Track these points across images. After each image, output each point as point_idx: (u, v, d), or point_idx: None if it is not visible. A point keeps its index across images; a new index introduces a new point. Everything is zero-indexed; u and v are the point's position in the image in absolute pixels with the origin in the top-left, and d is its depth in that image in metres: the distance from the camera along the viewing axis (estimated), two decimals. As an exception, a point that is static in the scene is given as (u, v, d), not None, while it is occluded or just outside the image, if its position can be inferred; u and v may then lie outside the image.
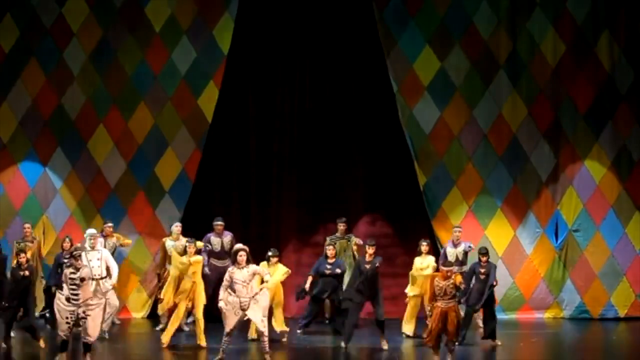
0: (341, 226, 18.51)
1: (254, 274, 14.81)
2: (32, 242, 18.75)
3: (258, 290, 14.83)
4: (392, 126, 19.61)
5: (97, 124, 19.72)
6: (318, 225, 19.69)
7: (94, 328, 14.64)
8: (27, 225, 18.86)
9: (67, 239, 17.95)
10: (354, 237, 18.54)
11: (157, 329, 17.85)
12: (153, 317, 18.81)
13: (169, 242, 18.15)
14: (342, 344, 16.31)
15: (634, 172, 19.80)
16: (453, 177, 19.60)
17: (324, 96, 19.92)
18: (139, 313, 19.36)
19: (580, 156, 19.74)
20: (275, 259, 16.75)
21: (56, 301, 14.80)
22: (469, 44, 19.60)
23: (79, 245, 16.05)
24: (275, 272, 16.40)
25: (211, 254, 18.28)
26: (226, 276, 14.87)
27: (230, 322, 14.78)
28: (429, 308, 15.35)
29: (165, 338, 16.29)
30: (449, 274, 14.71)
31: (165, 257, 18.11)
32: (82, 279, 14.48)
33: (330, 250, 17.50)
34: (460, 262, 17.73)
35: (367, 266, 16.14)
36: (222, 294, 14.84)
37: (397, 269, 19.07)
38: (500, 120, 19.65)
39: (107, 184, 19.67)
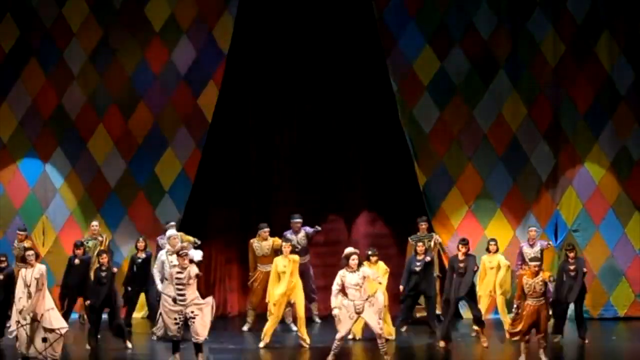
0: (422, 225, 18.63)
1: (364, 278, 14.83)
2: (98, 239, 18.76)
3: (372, 293, 14.91)
4: (392, 126, 19.61)
5: (97, 124, 19.73)
6: (317, 225, 19.62)
7: (203, 327, 14.54)
8: (94, 224, 18.84)
9: (141, 239, 18.07)
10: (435, 236, 18.68)
11: (244, 329, 18.01)
12: (153, 317, 18.71)
13: (256, 244, 18.09)
14: (441, 343, 16.41)
15: (634, 172, 19.79)
16: (453, 177, 19.59)
17: (324, 96, 19.91)
18: (139, 313, 19.32)
19: (580, 156, 19.74)
20: (374, 258, 16.72)
21: (162, 303, 14.83)
22: (469, 44, 19.59)
23: (185, 244, 16.07)
24: (378, 271, 16.37)
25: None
26: (337, 280, 14.93)
27: (345, 326, 14.86)
28: (515, 305, 15.50)
29: (267, 337, 16.35)
30: (536, 268, 14.94)
31: (255, 259, 18.07)
32: (195, 276, 14.52)
33: (420, 247, 17.59)
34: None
35: (461, 264, 16.32)
36: (335, 299, 14.85)
37: (397, 268, 19.03)
38: (500, 120, 19.65)
39: (107, 183, 19.68)
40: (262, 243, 17.96)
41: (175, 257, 15.31)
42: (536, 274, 14.95)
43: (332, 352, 14.99)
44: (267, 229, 17.94)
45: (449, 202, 19.59)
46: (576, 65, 19.71)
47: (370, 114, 19.93)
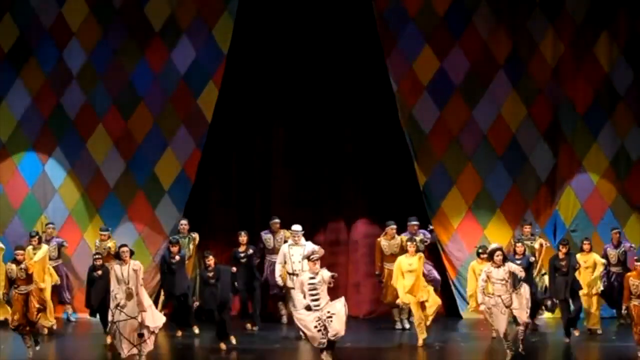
0: (526, 228, 18.64)
1: (509, 273, 14.91)
2: (192, 236, 18.62)
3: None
4: (392, 126, 19.62)
5: (96, 124, 19.69)
6: (318, 225, 19.67)
7: (340, 324, 14.34)
8: (183, 222, 18.63)
9: (242, 233, 18.02)
10: (538, 238, 18.63)
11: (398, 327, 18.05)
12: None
13: (383, 242, 18.09)
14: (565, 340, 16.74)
15: (632, 173, 19.86)
16: (452, 177, 19.63)
17: (324, 96, 19.88)
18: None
19: (579, 156, 19.79)
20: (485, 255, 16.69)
21: (297, 316, 14.54)
22: (468, 44, 19.62)
23: (316, 248, 15.59)
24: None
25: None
26: (483, 276, 15.05)
27: (501, 324, 14.95)
28: (624, 308, 15.85)
29: (422, 336, 16.40)
30: None
31: (383, 257, 18.13)
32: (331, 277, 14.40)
33: (519, 248, 17.43)
34: (622, 263, 18.17)
35: (563, 263, 16.64)
36: (482, 295, 15.04)
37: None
38: (499, 120, 19.69)
39: (107, 183, 19.64)
40: (390, 242, 17.98)
41: (306, 261, 15.14)
42: None
43: (506, 348, 15.08)
44: (394, 226, 18.07)
45: (448, 202, 19.61)
46: (575, 65, 19.76)
47: (370, 114, 19.91)
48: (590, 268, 17.69)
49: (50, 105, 19.72)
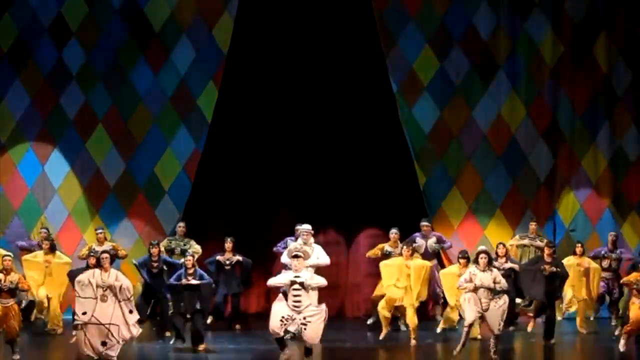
0: (532, 225, 18.82)
1: (494, 279, 14.85)
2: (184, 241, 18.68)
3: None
4: (392, 126, 19.62)
5: (96, 124, 19.64)
6: (318, 225, 19.50)
7: (315, 333, 14.28)
8: (181, 225, 18.72)
9: (229, 240, 18.08)
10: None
11: (369, 322, 18.09)
12: (152, 316, 18.64)
13: (387, 248, 18.07)
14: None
15: (630, 173, 19.91)
16: (452, 177, 19.64)
17: (324, 95, 19.88)
18: (139, 312, 19.24)
19: (578, 157, 19.82)
20: (464, 261, 16.81)
21: (274, 305, 14.45)
22: (468, 44, 19.65)
23: (298, 245, 15.54)
24: None
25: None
26: (466, 276, 14.97)
27: (470, 315, 14.88)
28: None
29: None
30: None
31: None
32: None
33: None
34: (614, 270, 18.34)
35: (547, 266, 16.46)
36: (462, 281, 15.03)
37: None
38: (499, 120, 19.71)
39: (106, 184, 19.59)
40: (394, 249, 17.96)
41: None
42: None
43: (461, 341, 15.06)
44: (396, 232, 18.05)
45: (448, 202, 19.63)
46: (574, 66, 19.80)
47: (370, 114, 19.90)
48: (582, 272, 17.71)
49: (49, 105, 19.66)
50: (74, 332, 15.19)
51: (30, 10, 19.65)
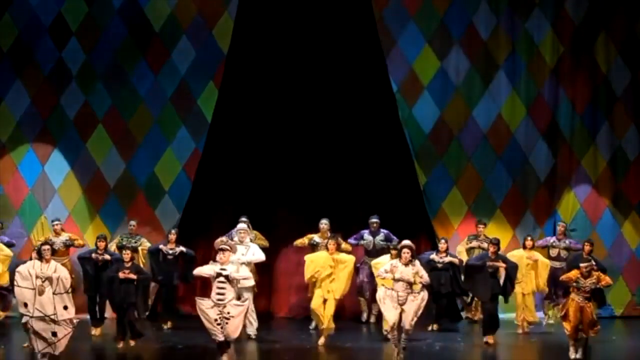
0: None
1: (416, 274, 14.72)
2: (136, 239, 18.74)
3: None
4: (392, 126, 19.63)
5: (96, 124, 19.66)
6: (317, 225, 19.61)
7: (235, 328, 14.29)
8: (132, 223, 18.82)
9: (173, 231, 18.12)
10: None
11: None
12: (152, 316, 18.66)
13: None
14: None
15: (630, 172, 19.94)
16: (453, 177, 19.66)
17: (324, 95, 19.87)
18: (139, 312, 19.23)
19: (577, 156, 19.84)
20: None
21: (199, 307, 14.35)
22: (468, 44, 19.66)
23: (224, 238, 15.48)
24: None
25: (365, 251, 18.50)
26: (387, 266, 14.84)
27: (391, 315, 14.67)
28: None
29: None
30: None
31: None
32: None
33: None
34: (564, 259, 18.34)
35: (490, 264, 16.44)
36: (381, 271, 14.95)
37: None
38: (499, 120, 19.73)
39: (107, 184, 19.61)
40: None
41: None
42: None
43: (393, 345, 14.86)
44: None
45: (449, 202, 19.65)
46: (574, 65, 19.82)
47: (370, 114, 19.90)
48: (530, 265, 17.71)
49: (49, 106, 19.68)
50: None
51: (30, 10, 19.66)
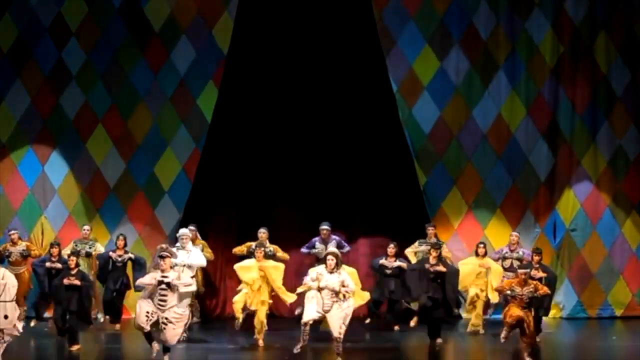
0: (430, 230, 18.78)
1: (342, 282, 14.71)
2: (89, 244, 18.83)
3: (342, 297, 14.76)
4: (392, 126, 19.63)
5: (96, 124, 19.65)
6: (317, 225, 19.62)
7: (172, 335, 14.40)
8: (86, 227, 18.93)
9: (120, 237, 18.18)
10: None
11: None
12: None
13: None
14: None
15: (630, 172, 19.94)
16: (453, 176, 19.66)
17: (324, 95, 19.87)
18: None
19: (578, 156, 19.84)
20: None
21: (139, 301, 14.51)
22: (468, 44, 19.66)
23: (164, 245, 15.47)
24: None
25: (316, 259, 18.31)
26: (312, 275, 14.85)
27: (309, 313, 14.71)
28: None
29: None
30: None
31: None
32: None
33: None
34: (515, 270, 18.00)
35: (432, 269, 16.53)
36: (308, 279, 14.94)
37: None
38: (499, 120, 19.73)
39: (106, 184, 19.60)
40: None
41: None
42: None
43: (302, 338, 14.89)
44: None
45: (449, 201, 19.65)
46: (574, 65, 19.81)
47: (370, 114, 19.90)
48: (483, 273, 17.73)
49: (49, 105, 19.67)
50: None
51: (30, 10, 19.65)
